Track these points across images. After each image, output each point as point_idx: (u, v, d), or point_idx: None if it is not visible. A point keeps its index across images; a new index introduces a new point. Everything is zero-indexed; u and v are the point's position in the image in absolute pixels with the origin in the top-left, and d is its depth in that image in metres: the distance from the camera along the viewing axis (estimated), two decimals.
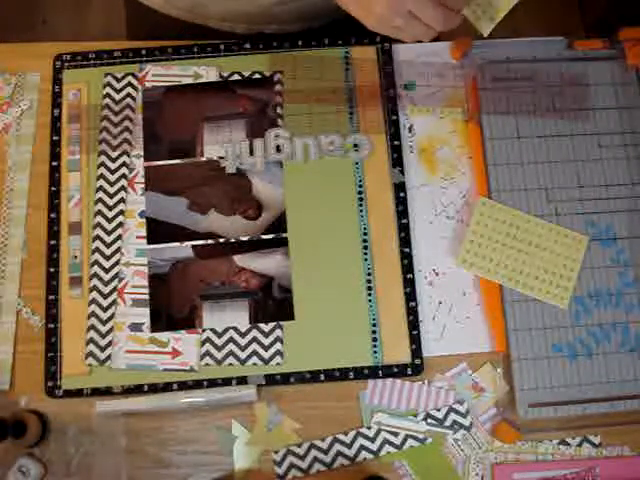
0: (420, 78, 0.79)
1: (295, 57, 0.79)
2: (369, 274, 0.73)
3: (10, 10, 1.76)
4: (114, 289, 0.72)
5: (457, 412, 0.70)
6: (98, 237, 0.74)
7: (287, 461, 0.69)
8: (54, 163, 0.76)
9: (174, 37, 0.80)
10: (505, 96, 0.76)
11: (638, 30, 0.78)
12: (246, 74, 0.78)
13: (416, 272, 0.73)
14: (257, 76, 0.78)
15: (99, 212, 0.74)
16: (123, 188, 0.75)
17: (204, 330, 0.71)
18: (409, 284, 0.72)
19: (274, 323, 0.71)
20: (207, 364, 0.70)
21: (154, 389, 0.70)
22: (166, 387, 0.70)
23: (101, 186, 0.75)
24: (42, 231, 0.74)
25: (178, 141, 0.76)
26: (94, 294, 0.72)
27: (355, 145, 0.76)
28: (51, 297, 0.72)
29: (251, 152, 0.76)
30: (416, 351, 0.71)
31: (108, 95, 0.78)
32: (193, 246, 0.73)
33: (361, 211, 0.74)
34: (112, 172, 0.76)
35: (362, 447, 0.69)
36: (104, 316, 0.72)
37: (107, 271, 0.73)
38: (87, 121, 0.77)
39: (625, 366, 0.70)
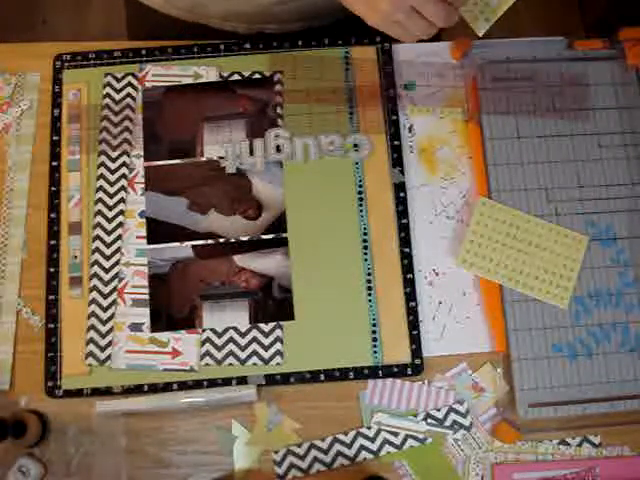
0: (420, 78, 0.79)
1: (295, 57, 0.79)
2: (369, 274, 0.73)
3: (10, 10, 1.76)
4: (114, 289, 0.72)
5: (457, 412, 0.70)
6: (98, 237, 0.74)
7: (287, 461, 0.69)
8: (54, 163, 0.76)
9: (174, 37, 0.80)
10: (505, 96, 0.76)
11: (638, 30, 0.78)
12: (246, 74, 0.78)
13: (416, 272, 0.73)
14: (257, 76, 0.78)
15: (99, 212, 0.74)
16: (123, 188, 0.75)
17: (204, 330, 0.71)
18: (409, 284, 0.72)
19: (274, 323, 0.71)
20: (207, 364, 0.70)
21: (154, 389, 0.70)
22: (166, 387, 0.70)
23: (101, 186, 0.75)
24: (42, 231, 0.74)
25: (178, 141, 0.76)
26: (94, 294, 0.72)
27: (355, 145, 0.76)
28: (51, 297, 0.72)
29: (251, 152, 0.76)
30: (416, 351, 0.71)
31: (108, 95, 0.78)
32: (193, 246, 0.73)
33: (361, 211, 0.74)
34: (112, 172, 0.76)
35: (362, 447, 0.69)
36: (104, 316, 0.72)
37: (107, 271, 0.73)
38: (87, 121, 0.77)
39: (625, 366, 0.70)
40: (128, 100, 0.78)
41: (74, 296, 0.72)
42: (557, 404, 0.69)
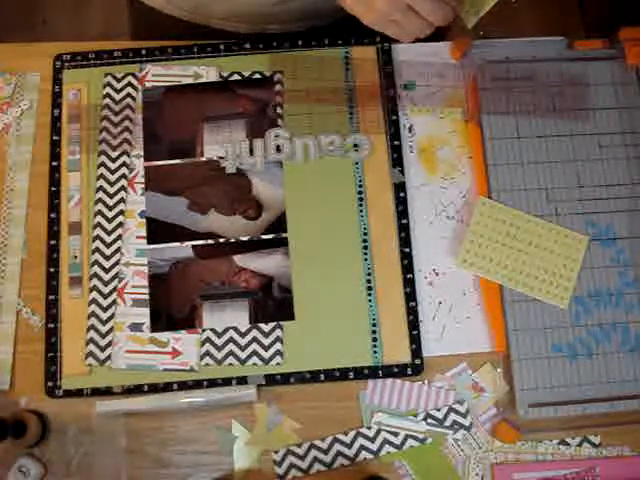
0: (420, 78, 0.79)
1: (295, 57, 0.79)
2: (369, 274, 0.73)
3: (10, 10, 1.76)
4: (114, 289, 0.72)
5: (457, 412, 0.70)
6: (98, 237, 0.74)
7: (287, 461, 0.69)
8: (54, 163, 0.76)
9: (174, 37, 0.80)
10: (505, 96, 0.76)
11: (638, 30, 0.78)
12: (246, 74, 0.78)
13: (416, 272, 0.73)
14: (257, 76, 0.78)
15: (99, 212, 0.74)
16: (123, 188, 0.75)
17: (204, 330, 0.71)
18: (409, 284, 0.72)
19: (274, 323, 0.71)
20: (207, 364, 0.70)
21: (154, 389, 0.70)
22: (166, 387, 0.70)
23: (101, 186, 0.75)
24: (42, 231, 0.74)
25: (178, 141, 0.76)
26: (94, 294, 0.72)
27: (355, 145, 0.76)
28: (51, 297, 0.72)
29: (251, 152, 0.76)
30: (416, 351, 0.71)
31: (108, 95, 0.78)
32: (193, 246, 0.73)
33: (361, 211, 0.74)
34: (112, 172, 0.76)
35: (362, 447, 0.69)
36: (104, 316, 0.72)
37: (107, 271, 0.73)
38: (87, 121, 0.77)
39: (625, 366, 0.70)
40: (128, 100, 0.78)
41: (74, 296, 0.72)
42: (557, 404, 0.69)
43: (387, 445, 0.69)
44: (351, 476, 0.69)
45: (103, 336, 0.71)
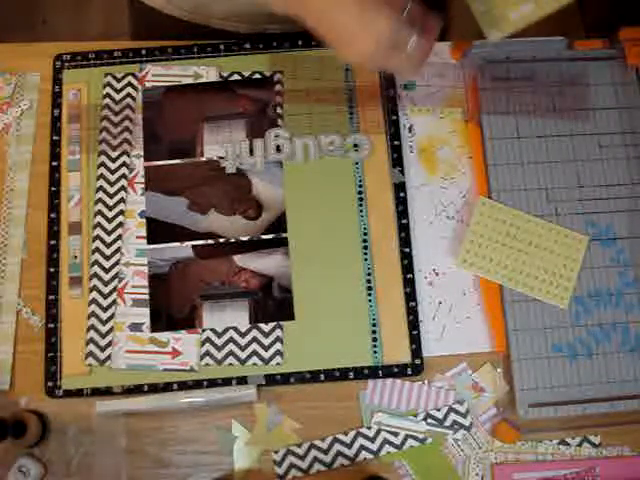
0: (420, 78, 0.79)
1: (295, 57, 0.79)
2: (369, 274, 0.73)
3: (10, 10, 1.76)
4: (114, 289, 0.72)
5: (457, 412, 0.70)
6: (98, 237, 0.74)
7: (287, 461, 0.69)
8: (54, 163, 0.76)
9: (174, 37, 0.80)
10: (505, 96, 0.76)
11: (638, 30, 0.78)
12: (246, 74, 0.78)
13: (416, 272, 0.73)
14: (257, 76, 0.78)
15: (99, 212, 0.74)
16: (123, 188, 0.75)
17: (204, 330, 0.71)
18: (409, 284, 0.72)
19: (274, 323, 0.71)
20: (207, 364, 0.70)
21: (154, 389, 0.70)
22: (166, 387, 0.70)
23: (101, 186, 0.75)
24: (42, 231, 0.74)
25: (178, 141, 0.76)
26: (94, 294, 0.72)
27: (355, 145, 0.76)
28: (51, 297, 0.72)
29: (251, 152, 0.76)
30: (416, 351, 0.71)
31: (108, 95, 0.78)
32: (193, 246, 0.73)
33: (361, 211, 0.74)
34: (112, 172, 0.76)
35: (362, 447, 0.69)
36: (104, 316, 0.72)
37: (107, 271, 0.73)
38: (87, 121, 0.77)
39: (625, 366, 0.70)
40: (128, 100, 0.77)
41: (74, 296, 0.72)
42: (557, 404, 0.69)
43: (387, 445, 0.69)
44: (351, 476, 0.69)
45: (103, 336, 0.71)
